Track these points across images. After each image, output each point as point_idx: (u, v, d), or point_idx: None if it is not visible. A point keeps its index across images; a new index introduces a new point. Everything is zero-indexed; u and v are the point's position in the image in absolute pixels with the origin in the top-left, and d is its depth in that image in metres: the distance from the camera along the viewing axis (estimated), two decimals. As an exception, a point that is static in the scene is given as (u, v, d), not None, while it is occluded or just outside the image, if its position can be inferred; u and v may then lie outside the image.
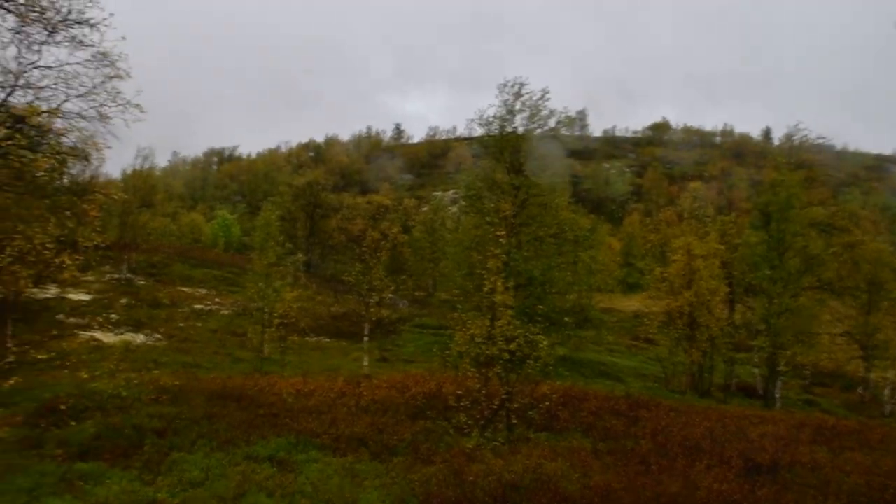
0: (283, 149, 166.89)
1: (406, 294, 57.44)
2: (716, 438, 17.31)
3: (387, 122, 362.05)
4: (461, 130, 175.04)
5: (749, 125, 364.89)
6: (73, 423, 14.65)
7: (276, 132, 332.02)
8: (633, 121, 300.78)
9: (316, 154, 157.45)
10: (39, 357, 17.82)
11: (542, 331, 16.75)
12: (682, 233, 45.12)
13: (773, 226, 35.92)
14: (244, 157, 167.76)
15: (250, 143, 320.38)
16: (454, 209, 79.47)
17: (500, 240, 17.74)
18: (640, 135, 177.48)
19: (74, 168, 18.91)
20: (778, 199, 36.03)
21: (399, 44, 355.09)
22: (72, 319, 38.44)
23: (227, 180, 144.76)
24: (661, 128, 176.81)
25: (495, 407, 15.80)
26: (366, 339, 33.16)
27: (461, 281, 29.93)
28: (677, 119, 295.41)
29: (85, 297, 43.61)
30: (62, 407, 15.19)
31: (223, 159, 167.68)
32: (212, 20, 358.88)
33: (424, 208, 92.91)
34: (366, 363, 31.56)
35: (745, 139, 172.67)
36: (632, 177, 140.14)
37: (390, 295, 36.48)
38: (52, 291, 29.20)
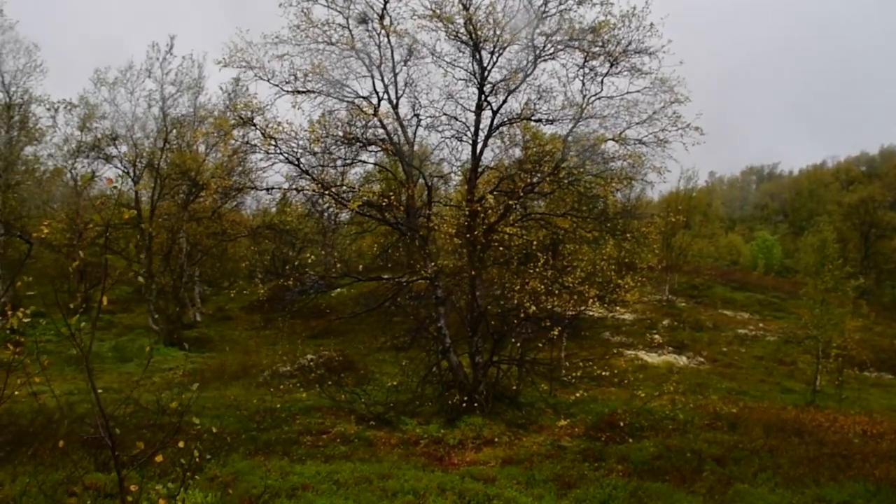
0: (830, 164, 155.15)
1: None
2: None
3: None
4: None
5: None
6: (630, 441, 14.95)
7: (820, 146, 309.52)
8: None
9: (869, 168, 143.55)
10: (602, 374, 18.81)
11: None
12: None
13: None
14: (785, 174, 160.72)
15: (792, 159, 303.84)
16: None
17: None
18: None
19: (621, 192, 19.58)
20: None
21: None
22: (616, 338, 40.24)
23: (766, 199, 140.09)
24: None
25: None
26: (942, 377, 28.92)
27: None
28: None
29: (628, 317, 45.39)
30: (620, 423, 15.61)
31: (762, 178, 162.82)
32: (756, 36, 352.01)
33: None
34: (942, 406, 27.35)
35: None
36: None
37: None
38: (598, 311, 30.99)
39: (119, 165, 39.70)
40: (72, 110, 39.33)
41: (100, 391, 6.67)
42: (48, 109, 39.14)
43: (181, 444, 7.29)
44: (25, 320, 6.79)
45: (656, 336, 41.63)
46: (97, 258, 36.74)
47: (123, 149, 39.68)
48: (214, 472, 10.94)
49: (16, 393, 7.41)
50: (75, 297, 33.68)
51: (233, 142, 20.03)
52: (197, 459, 7.72)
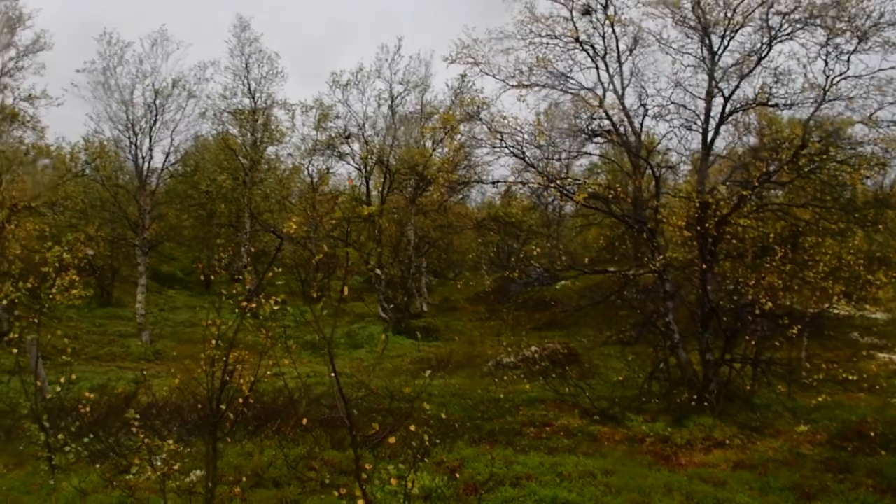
0: None
1: None
2: None
3: None
4: None
5: None
6: (883, 453, 13.59)
7: None
8: None
9: None
10: (848, 377, 17.32)
11: None
12: None
13: None
14: None
15: None
16: None
17: None
18: None
19: (871, 179, 17.93)
20: None
21: None
22: (866, 339, 37.01)
23: None
24: None
25: None
26: None
27: None
28: None
29: (881, 316, 41.59)
30: (871, 433, 14.27)
31: None
32: None
33: None
34: None
35: None
36: None
37: None
38: (844, 308, 28.64)
39: (351, 162, 42.44)
40: (307, 112, 42.45)
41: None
42: (287, 112, 42.51)
43: (413, 428, 7.53)
44: (276, 307, 7.30)
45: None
46: (331, 249, 39.10)
47: (355, 146, 42.27)
48: (441, 457, 11.26)
49: (268, 373, 8.07)
50: (311, 287, 36.10)
51: (459, 136, 20.52)
52: (427, 444, 7.96)
